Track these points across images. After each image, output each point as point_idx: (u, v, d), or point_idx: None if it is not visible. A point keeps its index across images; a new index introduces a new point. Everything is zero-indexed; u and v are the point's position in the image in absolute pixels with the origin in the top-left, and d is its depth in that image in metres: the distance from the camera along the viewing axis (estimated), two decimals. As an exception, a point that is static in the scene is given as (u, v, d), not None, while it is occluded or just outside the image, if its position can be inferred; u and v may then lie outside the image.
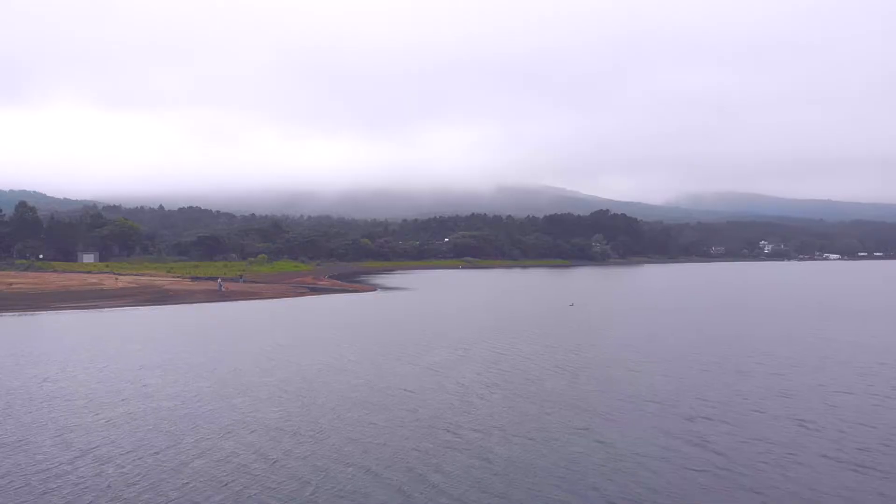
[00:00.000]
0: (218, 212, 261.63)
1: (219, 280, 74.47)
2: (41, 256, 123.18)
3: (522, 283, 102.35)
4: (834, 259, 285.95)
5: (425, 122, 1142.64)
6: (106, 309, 49.74)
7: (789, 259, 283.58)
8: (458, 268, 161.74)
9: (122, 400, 20.28)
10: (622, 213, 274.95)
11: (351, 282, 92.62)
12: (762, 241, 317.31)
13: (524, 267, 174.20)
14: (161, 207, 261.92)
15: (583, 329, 39.42)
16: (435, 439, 16.96)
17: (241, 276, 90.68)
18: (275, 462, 15.17)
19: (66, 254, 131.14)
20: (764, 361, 28.38)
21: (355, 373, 25.02)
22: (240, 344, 32.36)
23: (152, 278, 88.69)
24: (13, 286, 65.65)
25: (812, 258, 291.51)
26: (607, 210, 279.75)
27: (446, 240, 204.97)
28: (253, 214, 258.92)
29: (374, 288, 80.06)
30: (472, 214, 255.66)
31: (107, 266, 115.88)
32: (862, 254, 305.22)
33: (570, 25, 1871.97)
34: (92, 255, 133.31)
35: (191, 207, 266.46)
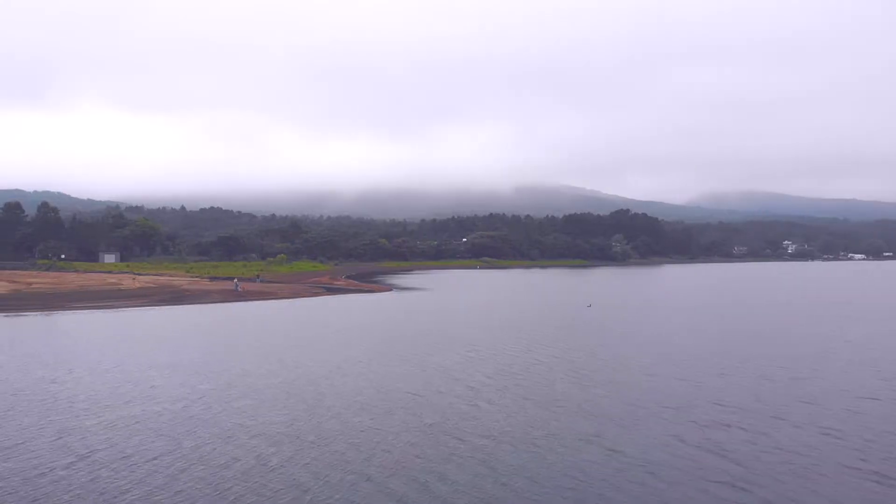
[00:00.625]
0: (239, 212, 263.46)
1: (235, 280, 74.60)
2: (63, 256, 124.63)
3: (540, 284, 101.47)
4: (859, 259, 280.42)
5: (444, 122, 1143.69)
6: (122, 309, 49.87)
7: (813, 259, 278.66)
8: (475, 268, 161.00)
9: (125, 402, 19.99)
10: (643, 213, 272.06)
11: (367, 282, 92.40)
12: (785, 242, 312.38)
13: (543, 267, 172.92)
14: (183, 208, 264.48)
15: (599, 330, 38.65)
16: (440, 446, 16.43)
17: (258, 276, 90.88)
18: (274, 469, 14.74)
19: (87, 254, 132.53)
20: (786, 365, 27.49)
21: (363, 375, 24.57)
22: (250, 344, 32.09)
23: (171, 278, 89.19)
24: (32, 286, 66.26)
25: (837, 258, 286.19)
26: (628, 210, 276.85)
27: (464, 240, 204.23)
28: (273, 215, 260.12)
29: (389, 288, 79.70)
30: (491, 214, 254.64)
31: (127, 266, 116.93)
32: (887, 254, 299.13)
33: (590, 22, 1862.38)
34: (113, 256, 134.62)
35: (212, 208, 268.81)
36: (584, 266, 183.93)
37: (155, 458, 15.14)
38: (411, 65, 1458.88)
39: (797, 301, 64.61)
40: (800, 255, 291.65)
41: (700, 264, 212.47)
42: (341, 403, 20.32)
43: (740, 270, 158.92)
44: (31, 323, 41.68)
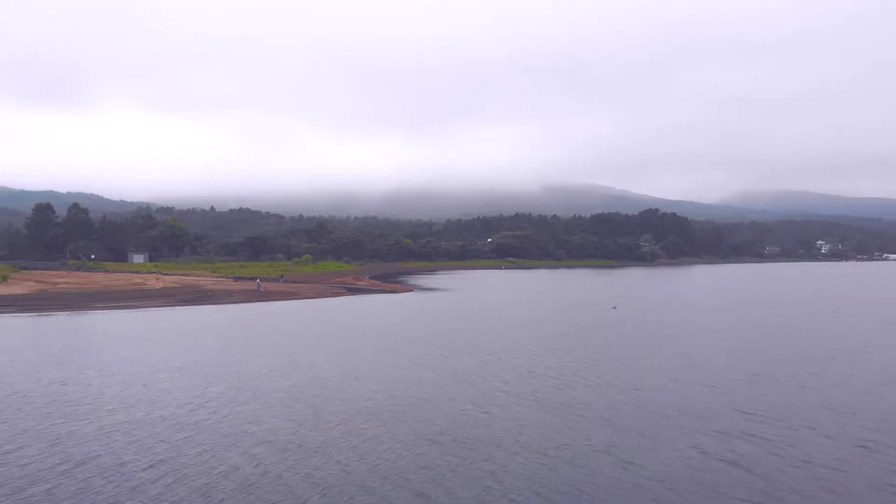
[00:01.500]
0: (267, 213, 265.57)
1: (257, 280, 74.69)
2: (93, 257, 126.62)
3: (565, 285, 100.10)
4: (894, 259, 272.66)
5: (471, 121, 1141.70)
6: (143, 309, 49.99)
7: (847, 259, 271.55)
8: (500, 268, 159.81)
9: (129, 406, 19.57)
10: (672, 213, 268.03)
11: (390, 282, 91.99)
12: (819, 241, 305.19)
13: (569, 267, 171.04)
14: (212, 209, 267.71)
15: (622, 333, 37.52)
16: (448, 456, 15.66)
17: (281, 276, 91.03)
18: (273, 479, 14.11)
19: (117, 254, 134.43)
20: (818, 370, 26.23)
21: (373, 379, 23.89)
22: (264, 346, 31.65)
23: (196, 278, 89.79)
24: (58, 286, 67.01)
25: (871, 258, 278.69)
26: (656, 209, 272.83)
27: (489, 240, 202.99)
28: (301, 215, 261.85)
29: (410, 289, 79.10)
30: (517, 214, 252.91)
31: (155, 266, 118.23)
32: None
33: (617, 17, 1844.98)
34: (142, 256, 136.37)
35: (241, 209, 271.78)
36: (612, 266, 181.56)
37: (151, 466, 14.61)
38: (439, 63, 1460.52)
39: (830, 302, 62.54)
40: (833, 256, 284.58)
41: (731, 265, 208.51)
42: (349, 409, 19.66)
43: (772, 271, 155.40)
44: (50, 323, 41.85)
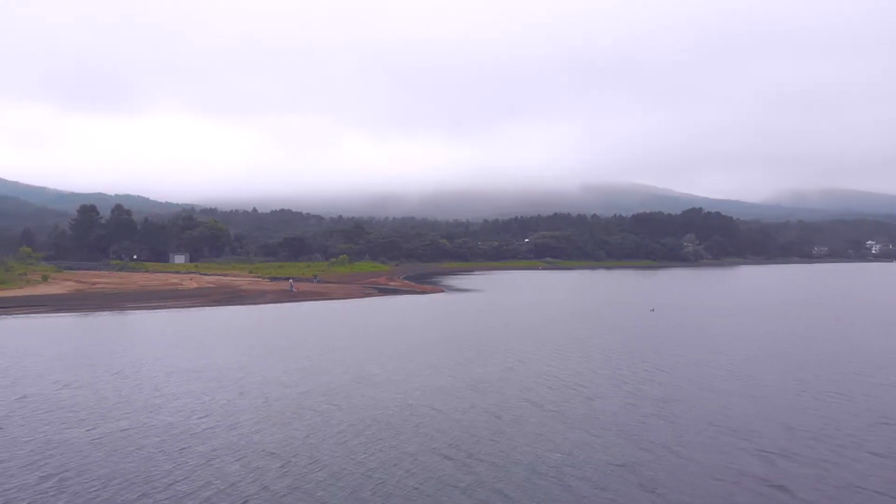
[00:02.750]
0: (308, 214, 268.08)
1: (290, 280, 74.50)
2: (135, 257, 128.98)
3: (602, 286, 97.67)
4: None
5: (510, 120, 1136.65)
6: (174, 309, 49.96)
7: None
8: (537, 268, 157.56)
9: (126, 413, 18.81)
10: (716, 212, 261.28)
11: (423, 283, 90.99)
12: (869, 241, 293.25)
13: (608, 268, 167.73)
14: (254, 210, 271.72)
15: (658, 337, 35.62)
16: (459, 472, 14.40)
17: (315, 277, 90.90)
18: (273, 496, 13.06)
19: (158, 255, 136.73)
20: (866, 378, 24.13)
21: (388, 385, 22.73)
22: (282, 347, 30.78)
23: (233, 278, 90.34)
24: (96, 285, 67.88)
25: None
26: (700, 208, 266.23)
27: (526, 240, 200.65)
28: (340, 216, 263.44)
29: (442, 289, 77.91)
30: (555, 214, 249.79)
31: (195, 266, 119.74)
32: None
33: (659, 12, 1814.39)
34: (183, 256, 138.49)
35: (282, 210, 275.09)
36: (653, 267, 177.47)
37: (127, 481, 13.70)
38: (480, 63, 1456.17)
39: (883, 306, 59.18)
40: (884, 256, 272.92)
41: (777, 265, 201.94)
42: (359, 418, 18.53)
43: (820, 272, 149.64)
44: (77, 324, 41.90)
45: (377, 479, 14.04)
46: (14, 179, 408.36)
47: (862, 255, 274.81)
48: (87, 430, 17.05)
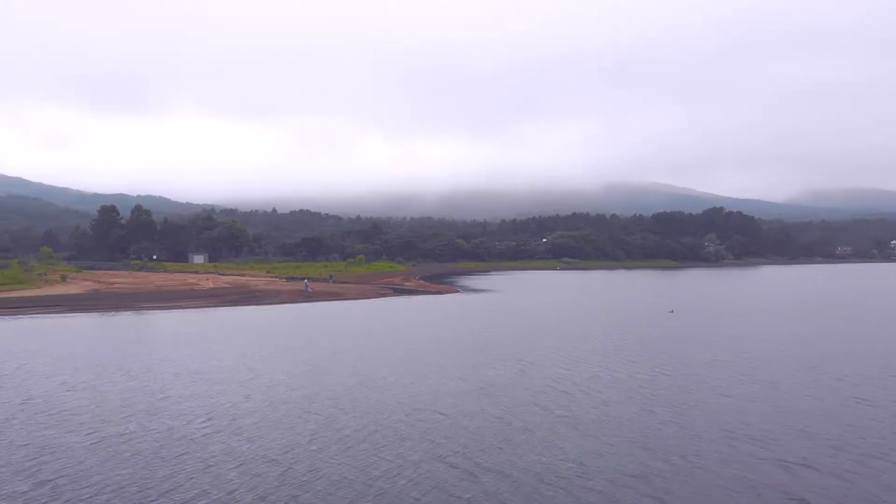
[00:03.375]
0: (326, 214, 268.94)
1: (305, 280, 74.39)
2: (154, 257, 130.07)
3: (620, 286, 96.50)
4: None
5: (528, 119, 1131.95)
6: (188, 309, 49.94)
7: None
8: (555, 269, 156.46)
9: (128, 416, 18.48)
10: (738, 211, 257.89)
11: (439, 283, 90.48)
12: (893, 241, 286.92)
13: (628, 268, 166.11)
14: (274, 210, 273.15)
15: (676, 340, 34.77)
16: (464, 482, 13.87)
17: (330, 277, 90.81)
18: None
19: (178, 255, 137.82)
20: (891, 385, 23.16)
21: (395, 389, 22.22)
22: (290, 348, 30.39)
23: (250, 279, 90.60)
24: (113, 286, 68.30)
25: None
26: (721, 208, 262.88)
27: (544, 240, 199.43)
28: (359, 217, 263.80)
29: (457, 290, 77.32)
30: (574, 214, 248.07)
31: (214, 267, 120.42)
32: None
33: (679, 10, 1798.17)
34: (202, 256, 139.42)
35: (301, 210, 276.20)
36: (673, 267, 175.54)
37: (121, 487, 13.33)
38: (498, 62, 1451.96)
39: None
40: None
41: (800, 266, 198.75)
42: (363, 424, 18.04)
43: (844, 272, 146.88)
44: (89, 323, 41.94)
45: (378, 489, 13.55)
46: (38, 181, 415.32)
47: (886, 255, 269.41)
48: (87, 435, 16.74)
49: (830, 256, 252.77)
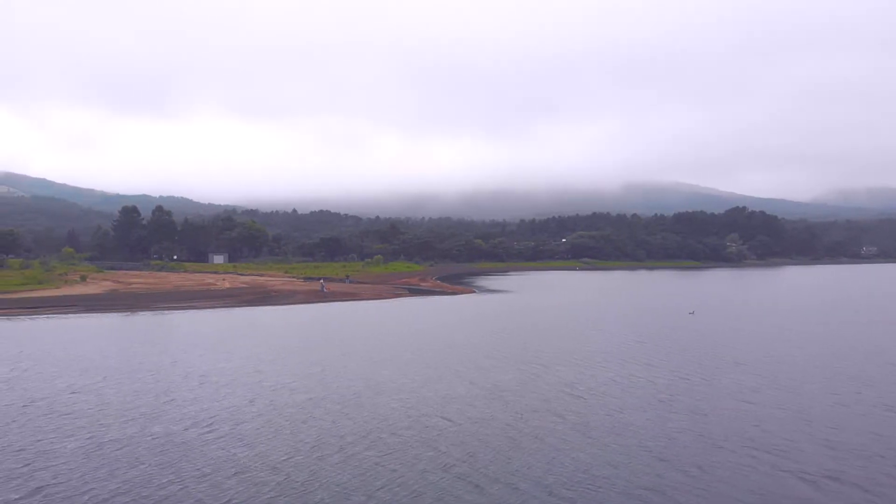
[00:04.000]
0: (346, 214, 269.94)
1: (321, 280, 74.18)
2: (175, 257, 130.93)
3: (640, 287, 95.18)
4: None
5: (548, 119, 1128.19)
6: (204, 310, 49.88)
7: None
8: (574, 269, 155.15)
9: (127, 421, 18.14)
10: (761, 211, 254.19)
11: (455, 283, 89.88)
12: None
13: (649, 269, 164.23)
14: (294, 211, 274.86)
15: (695, 343, 33.84)
16: (457, 497, 13.27)
17: (347, 277, 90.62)
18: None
19: (198, 255, 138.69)
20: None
21: (401, 393, 21.64)
22: (300, 350, 29.95)
23: (268, 279, 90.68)
24: (131, 286, 68.56)
25: None
26: (744, 207, 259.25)
27: (563, 240, 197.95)
28: (377, 217, 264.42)
29: (473, 290, 76.65)
30: (594, 213, 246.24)
31: (233, 267, 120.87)
32: None
33: (700, 6, 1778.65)
34: (222, 257, 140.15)
35: (321, 211, 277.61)
36: (695, 268, 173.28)
37: (116, 495, 12.95)
38: (517, 62, 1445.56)
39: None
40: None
41: (824, 266, 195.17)
42: (366, 430, 17.53)
43: (870, 272, 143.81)
44: (105, 323, 41.91)
45: (380, 500, 13.02)
46: (63, 182, 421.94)
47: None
48: (85, 440, 16.38)
49: (855, 256, 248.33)
